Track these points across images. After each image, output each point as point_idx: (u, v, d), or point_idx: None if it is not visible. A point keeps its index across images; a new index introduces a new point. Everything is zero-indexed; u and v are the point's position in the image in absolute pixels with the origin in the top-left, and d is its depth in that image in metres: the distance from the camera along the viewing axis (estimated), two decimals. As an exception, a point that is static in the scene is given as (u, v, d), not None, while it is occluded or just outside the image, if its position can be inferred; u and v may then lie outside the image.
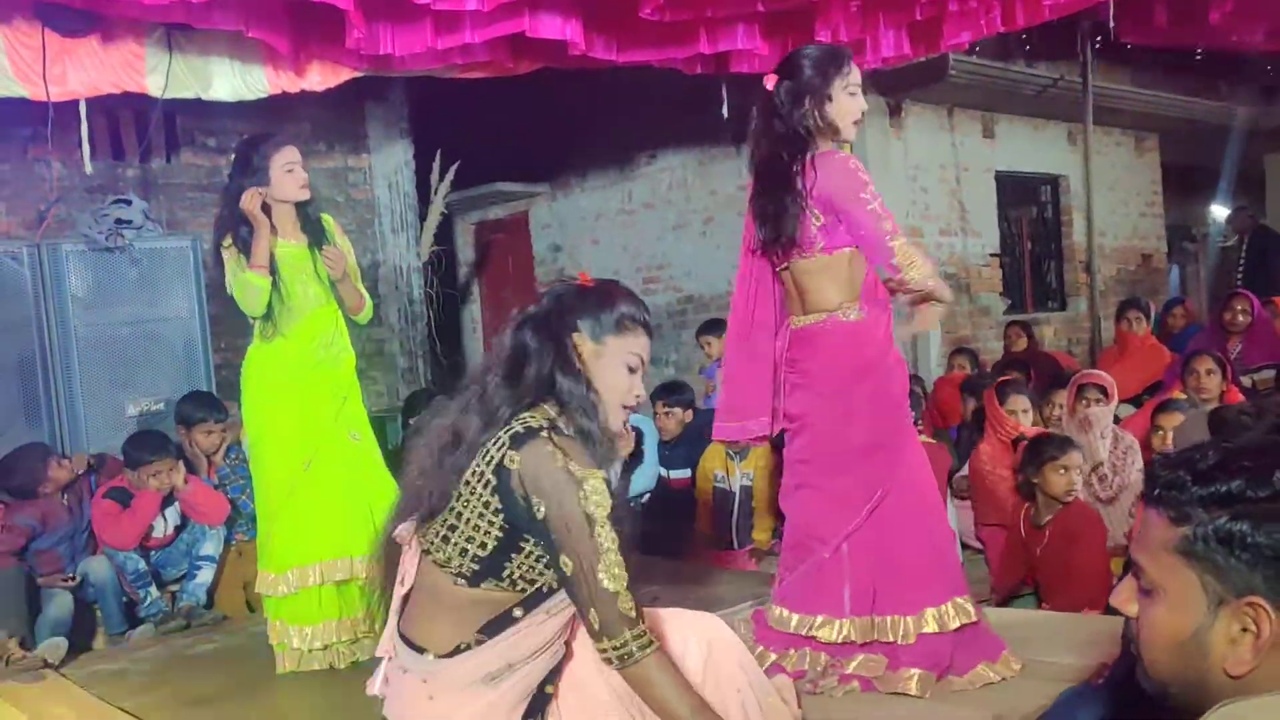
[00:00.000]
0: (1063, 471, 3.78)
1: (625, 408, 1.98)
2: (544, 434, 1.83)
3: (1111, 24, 5.74)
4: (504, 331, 2.03)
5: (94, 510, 4.35)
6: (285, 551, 3.51)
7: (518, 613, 1.87)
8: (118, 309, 4.92)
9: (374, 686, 2.06)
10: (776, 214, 2.83)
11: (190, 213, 6.17)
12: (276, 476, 3.55)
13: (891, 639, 2.77)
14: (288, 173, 3.55)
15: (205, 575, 4.44)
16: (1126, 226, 9.40)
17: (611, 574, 1.79)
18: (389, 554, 2.04)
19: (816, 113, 2.77)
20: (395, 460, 3.39)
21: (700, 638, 2.09)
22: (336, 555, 3.50)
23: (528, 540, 1.84)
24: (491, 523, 1.84)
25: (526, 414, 1.88)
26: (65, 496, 4.41)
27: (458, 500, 1.86)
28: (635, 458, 5.72)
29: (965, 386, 5.75)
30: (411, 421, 5.28)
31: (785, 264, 2.91)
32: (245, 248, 3.52)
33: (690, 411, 5.63)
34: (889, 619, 2.79)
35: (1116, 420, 4.89)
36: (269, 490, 3.57)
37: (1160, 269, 9.91)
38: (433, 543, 1.90)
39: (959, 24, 5.29)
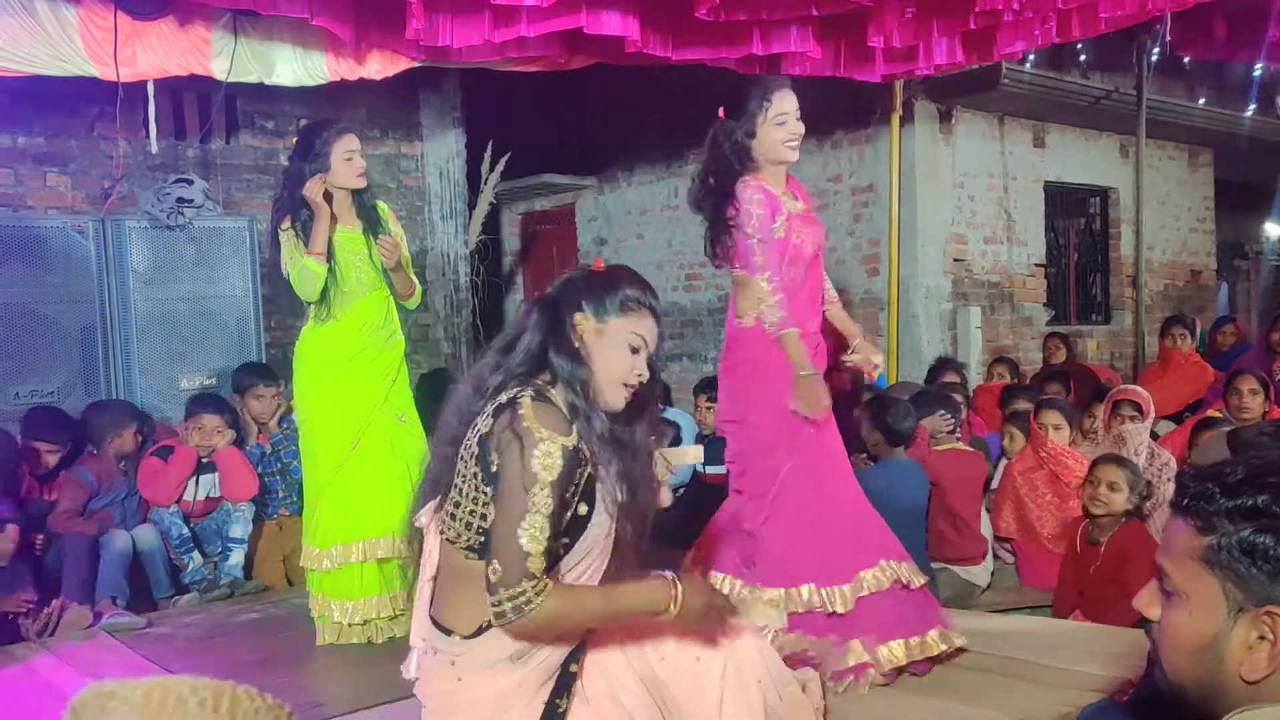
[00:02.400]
0: (1091, 484, 3.79)
1: (626, 385, 2.02)
2: (523, 398, 1.88)
3: (1169, 37, 5.69)
4: (517, 315, 2.12)
5: (140, 467, 4.51)
6: (330, 528, 3.62)
7: None
8: (176, 285, 5.07)
9: (408, 670, 2.12)
10: (707, 231, 3.23)
11: (246, 194, 6.31)
12: (325, 455, 3.66)
13: (832, 608, 2.93)
14: (347, 160, 3.65)
15: (236, 558, 4.58)
16: (1176, 241, 9.29)
17: (531, 534, 1.81)
18: (415, 540, 2.10)
19: (745, 143, 3.14)
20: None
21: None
22: (379, 533, 3.61)
23: None
24: (482, 492, 1.89)
25: (516, 385, 1.94)
26: (123, 462, 4.57)
27: (458, 476, 1.93)
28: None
29: (1007, 395, 5.75)
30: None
31: (724, 267, 3.27)
32: (304, 232, 3.62)
33: (729, 408, 5.69)
34: (824, 590, 2.96)
35: (1155, 436, 4.88)
36: (317, 468, 3.69)
37: (1209, 286, 9.78)
38: (444, 522, 1.96)
39: (1013, 34, 5.27)
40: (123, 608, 4.02)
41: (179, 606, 4.32)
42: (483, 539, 1.89)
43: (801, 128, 3.17)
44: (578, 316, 2.01)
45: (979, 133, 7.59)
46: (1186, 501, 1.15)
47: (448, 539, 1.95)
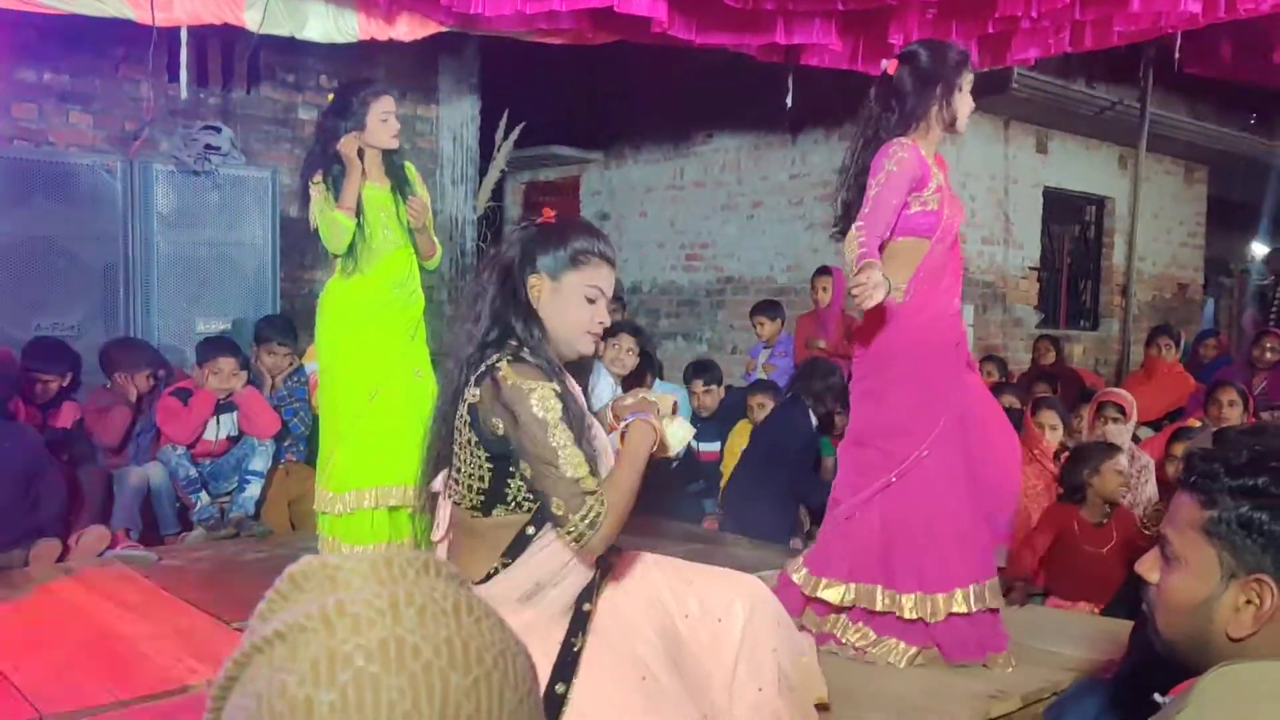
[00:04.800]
0: (1116, 473, 3.98)
1: (590, 334, 2.10)
2: (501, 364, 1.96)
3: (1177, 54, 5.84)
4: (475, 274, 2.18)
5: (158, 406, 4.63)
6: (345, 473, 3.74)
7: (530, 530, 2.00)
8: (198, 230, 5.16)
9: None
10: (840, 194, 3.09)
11: (264, 144, 6.38)
12: (344, 403, 3.78)
13: (919, 615, 2.92)
14: (382, 121, 3.75)
15: (253, 489, 4.70)
16: (1166, 254, 9.49)
17: (571, 464, 1.91)
18: (429, 505, 2.19)
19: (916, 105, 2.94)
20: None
21: (744, 598, 2.19)
22: (392, 482, 3.72)
23: (515, 464, 1.98)
24: (478, 456, 1.99)
25: (493, 352, 2.01)
26: (141, 400, 4.68)
27: (455, 444, 2.03)
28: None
29: (996, 393, 5.91)
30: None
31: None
32: (335, 186, 3.72)
33: (723, 388, 5.84)
34: (915, 596, 2.93)
35: (1136, 440, 5.07)
36: (335, 415, 3.80)
37: (1195, 300, 10.00)
38: (450, 486, 2.08)
39: (1029, 40, 5.41)
40: (135, 541, 4.14)
41: (186, 541, 4.44)
42: (483, 498, 2.00)
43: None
44: (532, 279, 2.06)
45: (984, 135, 7.74)
46: (1194, 478, 1.31)
47: (454, 501, 2.07)
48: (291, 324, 5.10)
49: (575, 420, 1.98)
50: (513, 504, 2.01)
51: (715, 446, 5.66)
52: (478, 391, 1.97)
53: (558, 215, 2.15)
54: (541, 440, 1.91)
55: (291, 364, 4.95)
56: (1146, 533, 4.12)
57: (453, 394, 2.06)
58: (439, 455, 2.12)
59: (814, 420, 4.97)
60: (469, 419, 1.99)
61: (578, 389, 2.15)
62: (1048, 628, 3.36)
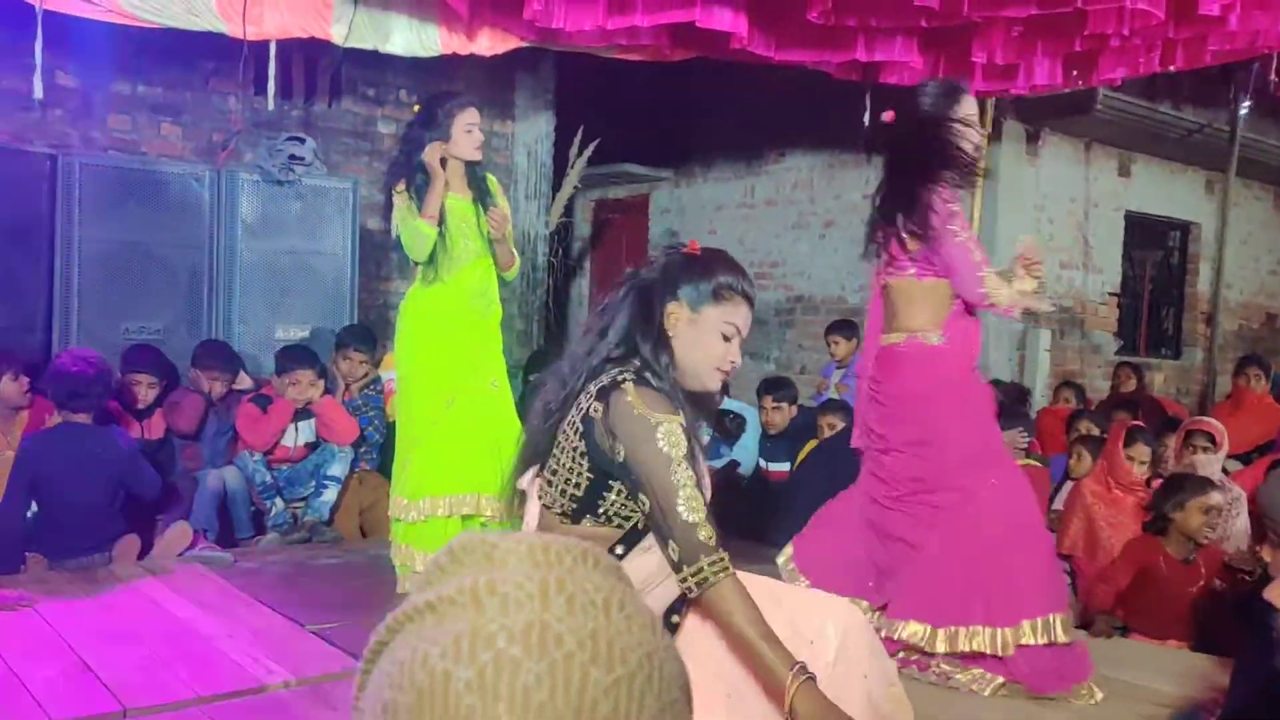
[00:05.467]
0: (1202, 511, 3.83)
1: (720, 370, 2.07)
2: (625, 384, 1.94)
3: (1273, 75, 5.66)
4: (612, 290, 2.15)
5: (238, 411, 4.71)
6: (419, 481, 3.76)
7: (619, 550, 1.98)
8: (280, 239, 5.26)
9: None
10: (876, 230, 3.11)
11: (344, 157, 6.50)
12: (420, 410, 3.80)
13: (989, 650, 2.86)
14: (467, 132, 3.79)
15: (330, 494, 4.75)
16: (1255, 282, 9.20)
17: (690, 507, 1.89)
18: (518, 501, 2.18)
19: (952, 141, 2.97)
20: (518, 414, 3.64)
21: (837, 621, 2.12)
22: (466, 490, 3.74)
23: (616, 480, 1.97)
24: (581, 465, 1.98)
25: (615, 368, 2.00)
26: (216, 404, 4.77)
27: (556, 448, 2.02)
28: (735, 439, 5.90)
29: (1072, 419, 5.77)
30: (531, 379, 5.55)
31: (884, 280, 3.11)
32: (418, 195, 3.77)
33: (795, 407, 5.77)
34: (985, 630, 2.87)
35: (1225, 473, 4.89)
36: (412, 422, 3.83)
37: (1283, 330, 9.68)
38: (542, 488, 2.07)
39: (1116, 60, 5.29)
40: (212, 542, 4.21)
41: (260, 546, 4.50)
42: (576, 506, 1.99)
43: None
44: (671, 305, 2.05)
45: (1065, 156, 7.59)
46: None
47: (544, 504, 2.06)
48: (371, 332, 5.17)
49: (694, 458, 1.96)
50: (603, 517, 2.00)
51: (785, 467, 5.59)
52: (599, 406, 1.96)
53: (704, 249, 2.15)
54: (663, 478, 1.90)
55: (368, 373, 5.01)
56: (1237, 572, 3.96)
57: (564, 397, 2.05)
58: (533, 452, 2.12)
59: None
60: (581, 429, 1.98)
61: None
62: (1135, 662, 3.24)
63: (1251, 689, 1.50)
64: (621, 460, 1.94)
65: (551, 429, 2.06)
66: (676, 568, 1.91)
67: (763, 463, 5.72)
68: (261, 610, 3.41)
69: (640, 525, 2.02)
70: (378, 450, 4.97)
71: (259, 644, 3.04)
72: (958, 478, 2.94)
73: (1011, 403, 5.67)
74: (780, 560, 3.31)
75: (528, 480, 2.15)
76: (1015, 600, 2.88)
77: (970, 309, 3.01)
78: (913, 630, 2.94)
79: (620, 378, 1.96)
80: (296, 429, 4.73)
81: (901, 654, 2.95)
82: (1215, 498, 3.87)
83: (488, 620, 0.56)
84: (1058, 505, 4.99)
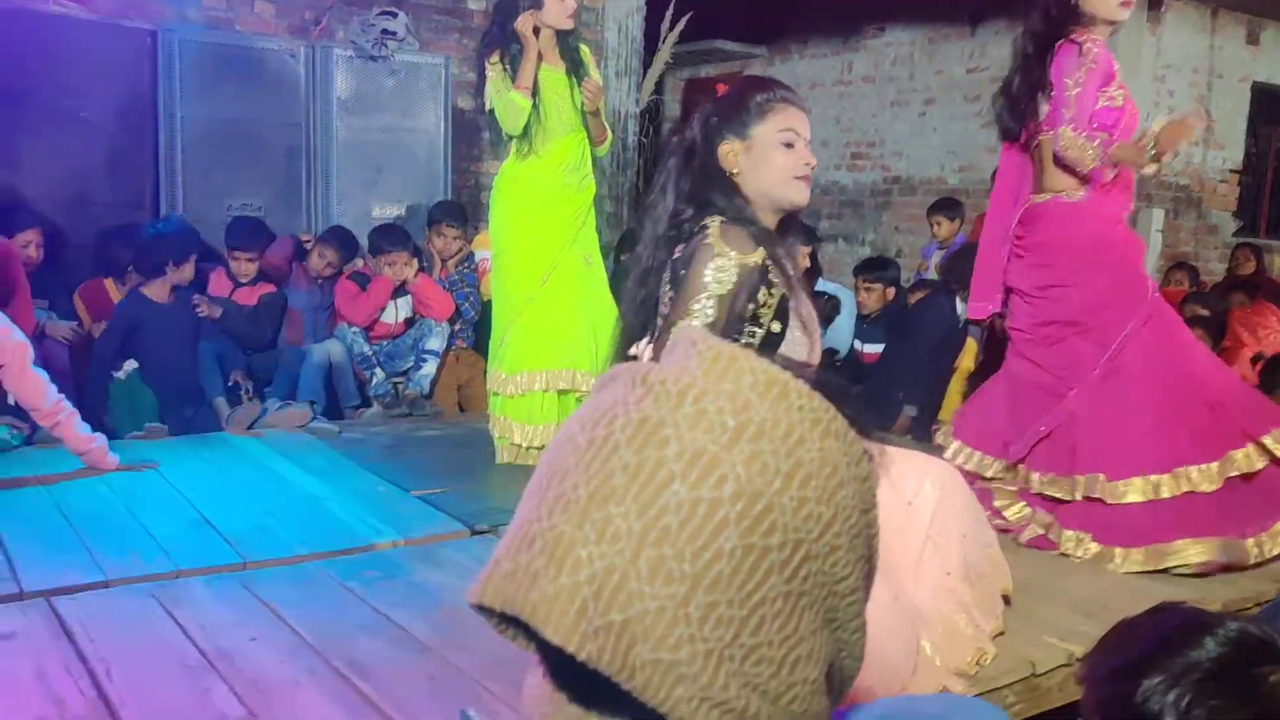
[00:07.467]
0: None
1: (798, 178, 2.03)
2: (712, 224, 1.94)
3: None
4: (660, 165, 2.13)
5: (337, 289, 4.82)
6: (517, 356, 3.80)
7: None
8: (374, 116, 5.26)
9: None
10: (1009, 91, 3.05)
11: (435, 34, 6.39)
12: (516, 286, 3.82)
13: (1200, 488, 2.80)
14: (559, 0, 3.69)
15: (429, 368, 4.86)
16: (1390, 160, 8.60)
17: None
18: None
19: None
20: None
21: (935, 481, 2.12)
22: (562, 366, 3.77)
23: (736, 334, 1.93)
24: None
25: (706, 215, 1.99)
26: (320, 281, 4.87)
27: (661, 305, 2.01)
28: (829, 322, 5.82)
29: (1186, 302, 5.54)
30: (623, 259, 5.52)
31: (1035, 140, 3.02)
32: (512, 67, 3.70)
33: (893, 289, 5.65)
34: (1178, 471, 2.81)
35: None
36: (508, 298, 3.85)
37: None
38: (655, 350, 2.04)
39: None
40: (320, 414, 4.35)
41: (364, 417, 4.64)
42: None
43: None
44: (722, 147, 2.02)
45: (1189, 24, 7.11)
46: None
47: None
48: (463, 209, 5.18)
49: (782, 284, 1.93)
50: None
51: (879, 348, 5.50)
52: (683, 247, 1.96)
53: (729, 83, 2.12)
54: (686, 298, 1.90)
55: (461, 248, 5.05)
56: None
57: (643, 272, 2.04)
58: (630, 333, 2.13)
59: (961, 310, 4.72)
60: (670, 275, 1.98)
61: (791, 250, 2.10)
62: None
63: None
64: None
65: (646, 304, 2.06)
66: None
67: (858, 344, 5.65)
68: (368, 477, 3.53)
69: None
70: (473, 328, 5.04)
71: (366, 507, 3.16)
72: (1091, 319, 2.93)
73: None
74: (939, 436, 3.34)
75: (637, 348, 2.15)
76: (1172, 445, 2.82)
77: (1119, 175, 2.95)
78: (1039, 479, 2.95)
79: (708, 220, 1.97)
80: (395, 305, 4.82)
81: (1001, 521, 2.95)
82: None
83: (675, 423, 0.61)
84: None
